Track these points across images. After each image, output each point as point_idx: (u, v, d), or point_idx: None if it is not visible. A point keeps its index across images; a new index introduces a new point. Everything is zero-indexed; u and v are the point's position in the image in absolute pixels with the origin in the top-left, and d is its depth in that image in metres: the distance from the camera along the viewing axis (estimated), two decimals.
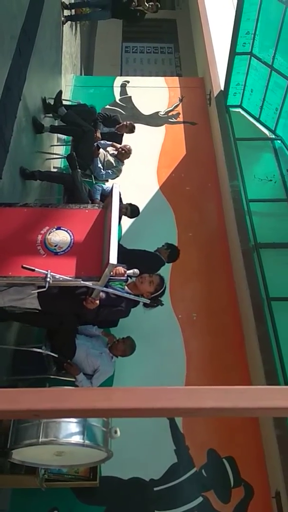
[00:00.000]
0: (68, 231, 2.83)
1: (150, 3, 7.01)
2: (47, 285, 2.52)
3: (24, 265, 2.45)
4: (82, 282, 2.60)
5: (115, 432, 2.99)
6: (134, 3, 6.92)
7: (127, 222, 5.55)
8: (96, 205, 3.06)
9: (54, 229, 2.83)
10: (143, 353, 4.47)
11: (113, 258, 2.52)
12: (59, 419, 2.73)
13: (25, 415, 2.11)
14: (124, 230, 5.62)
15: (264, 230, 5.49)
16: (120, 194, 5.35)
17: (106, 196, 5.23)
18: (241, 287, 5.13)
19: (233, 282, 5.37)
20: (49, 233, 2.81)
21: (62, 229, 2.83)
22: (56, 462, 3.06)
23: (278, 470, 3.89)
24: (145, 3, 6.98)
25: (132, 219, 5.36)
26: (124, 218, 5.23)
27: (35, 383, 4.32)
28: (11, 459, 2.93)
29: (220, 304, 5.20)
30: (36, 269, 2.47)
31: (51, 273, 2.51)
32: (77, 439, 2.72)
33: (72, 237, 2.81)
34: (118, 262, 2.68)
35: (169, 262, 4.72)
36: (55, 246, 2.77)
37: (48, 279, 2.50)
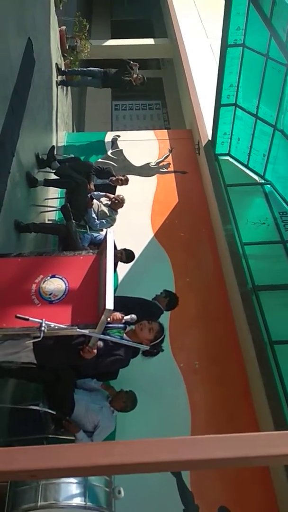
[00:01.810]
0: (63, 278, 2.78)
1: (139, 75, 7.35)
2: (42, 335, 2.44)
3: (18, 315, 2.38)
4: (78, 330, 2.52)
5: (119, 492, 2.79)
6: (126, 78, 7.30)
7: (123, 269, 5.51)
8: (91, 251, 3.03)
9: (49, 278, 2.78)
10: (145, 404, 4.29)
11: (109, 303, 2.46)
12: (58, 480, 2.55)
13: (22, 476, 1.96)
14: (120, 277, 5.57)
15: (261, 273, 5.46)
16: (114, 242, 5.39)
17: (96, 244, 5.26)
18: (242, 331, 5.02)
19: (234, 327, 5.26)
20: (44, 282, 2.75)
21: (57, 277, 2.78)
22: None
23: None
24: (133, 75, 7.36)
25: (129, 266, 5.34)
26: (120, 265, 5.21)
27: (32, 443, 4.10)
28: None
29: (222, 351, 5.07)
30: (30, 318, 2.39)
31: (46, 322, 2.43)
32: (78, 501, 2.52)
33: (67, 285, 2.75)
34: (115, 310, 2.61)
35: (167, 310, 4.64)
36: (50, 294, 2.71)
37: (43, 328, 2.41)
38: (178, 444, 1.94)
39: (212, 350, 5.07)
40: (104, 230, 5.72)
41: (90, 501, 2.58)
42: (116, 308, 2.67)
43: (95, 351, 2.79)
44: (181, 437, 1.83)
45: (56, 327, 2.47)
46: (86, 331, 2.55)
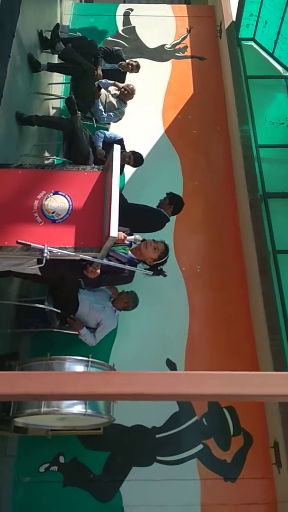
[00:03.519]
0: (66, 196, 2.65)
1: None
2: (44, 261, 2.41)
3: (19, 241, 2.32)
4: (81, 256, 2.48)
5: None
6: None
7: (130, 169, 5.30)
8: (96, 167, 2.85)
9: (51, 194, 2.66)
10: (146, 305, 4.46)
11: (113, 230, 2.38)
12: None
13: (24, 398, 2.10)
14: (127, 177, 5.39)
15: (273, 179, 5.26)
16: (122, 141, 5.10)
17: (109, 143, 4.98)
18: (247, 239, 5.00)
19: (239, 234, 5.23)
20: (46, 199, 2.64)
21: (60, 194, 2.65)
22: (59, 424, 3.12)
23: (277, 420, 3.99)
24: None
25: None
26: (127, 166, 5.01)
27: (39, 335, 4.36)
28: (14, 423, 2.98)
29: (225, 257, 5.10)
30: (32, 244, 2.34)
31: (48, 248, 2.38)
32: (79, 408, 2.74)
33: (70, 203, 2.64)
34: (120, 221, 2.53)
35: (173, 215, 4.56)
36: (53, 213, 2.61)
37: (45, 255, 2.38)
38: (175, 378, 2.02)
39: (215, 256, 5.10)
40: (113, 125, 5.42)
41: (90, 409, 2.80)
42: (121, 218, 2.59)
43: (99, 271, 2.79)
44: (178, 372, 1.89)
45: (59, 253, 2.43)
46: (89, 257, 2.51)
